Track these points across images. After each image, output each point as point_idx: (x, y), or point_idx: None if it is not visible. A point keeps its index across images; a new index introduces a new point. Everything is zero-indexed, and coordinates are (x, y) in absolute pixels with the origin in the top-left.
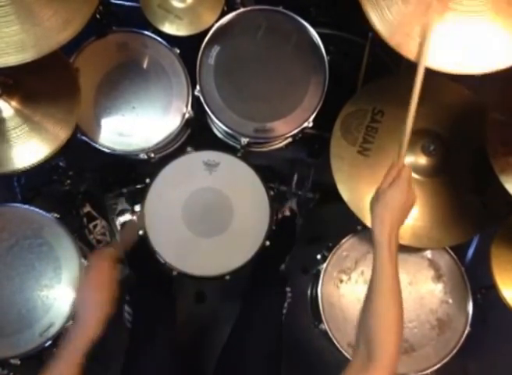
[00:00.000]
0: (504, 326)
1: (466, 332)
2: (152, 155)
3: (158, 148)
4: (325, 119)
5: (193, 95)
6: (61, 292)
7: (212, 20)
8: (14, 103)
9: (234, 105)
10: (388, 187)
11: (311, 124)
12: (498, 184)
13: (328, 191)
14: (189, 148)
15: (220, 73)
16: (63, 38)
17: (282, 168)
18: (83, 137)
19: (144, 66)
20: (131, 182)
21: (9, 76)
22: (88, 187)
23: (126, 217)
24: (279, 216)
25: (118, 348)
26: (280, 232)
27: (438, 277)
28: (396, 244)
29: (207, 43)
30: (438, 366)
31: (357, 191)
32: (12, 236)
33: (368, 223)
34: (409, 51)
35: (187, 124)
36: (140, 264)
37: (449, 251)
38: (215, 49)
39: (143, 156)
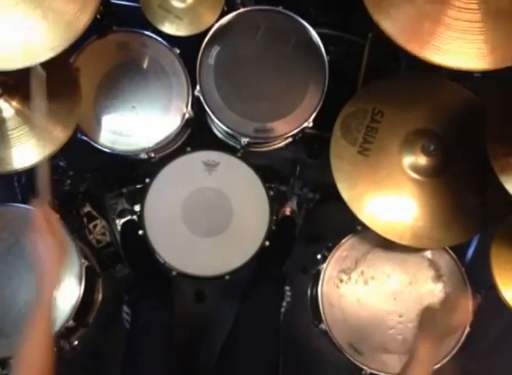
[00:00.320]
0: (504, 327)
1: (466, 332)
2: (152, 154)
3: (158, 148)
4: (325, 119)
5: (193, 95)
6: (61, 292)
7: (212, 20)
8: (15, 103)
9: (234, 105)
10: (449, 312)
11: (311, 124)
12: (498, 184)
13: (328, 191)
14: (189, 148)
15: (220, 73)
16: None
17: (282, 168)
18: (84, 137)
19: (144, 65)
20: (131, 182)
21: (10, 76)
22: (88, 187)
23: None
24: (279, 216)
25: (117, 347)
26: (280, 232)
27: (438, 277)
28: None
29: (207, 43)
30: (438, 365)
31: (357, 191)
32: (12, 236)
33: (368, 222)
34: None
35: (187, 124)
36: (140, 264)
37: (449, 251)
38: (215, 49)
39: (143, 156)
